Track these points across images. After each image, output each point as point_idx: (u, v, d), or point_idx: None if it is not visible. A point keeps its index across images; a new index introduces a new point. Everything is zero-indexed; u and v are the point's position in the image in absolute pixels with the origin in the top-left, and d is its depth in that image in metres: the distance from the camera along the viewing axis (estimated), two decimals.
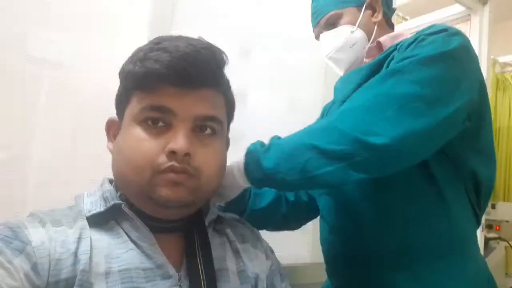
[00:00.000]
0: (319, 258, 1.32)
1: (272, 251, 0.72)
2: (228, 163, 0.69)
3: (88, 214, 0.56)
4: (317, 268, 1.30)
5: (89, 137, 0.94)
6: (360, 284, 0.83)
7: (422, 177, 0.77)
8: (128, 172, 0.55)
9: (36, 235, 0.50)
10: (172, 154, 0.53)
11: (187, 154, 0.53)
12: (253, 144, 0.74)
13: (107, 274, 0.51)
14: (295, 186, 0.71)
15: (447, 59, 0.71)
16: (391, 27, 1.00)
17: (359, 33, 0.92)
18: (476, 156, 0.79)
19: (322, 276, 1.23)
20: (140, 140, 0.54)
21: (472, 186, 0.80)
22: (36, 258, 0.48)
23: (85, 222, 0.55)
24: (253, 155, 0.71)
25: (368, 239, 0.80)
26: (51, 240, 0.50)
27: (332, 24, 0.93)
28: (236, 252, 0.64)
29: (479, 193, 0.81)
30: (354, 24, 0.91)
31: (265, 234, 0.79)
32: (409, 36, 0.86)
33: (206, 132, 0.58)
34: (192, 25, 1.16)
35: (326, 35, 0.95)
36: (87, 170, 0.91)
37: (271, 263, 0.69)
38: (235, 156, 0.71)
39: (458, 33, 0.76)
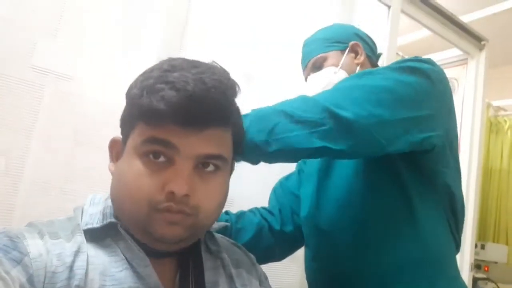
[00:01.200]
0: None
1: (266, 278, 0.72)
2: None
3: (84, 228, 0.55)
4: None
5: (87, 150, 0.95)
6: None
7: (397, 198, 0.80)
8: (126, 204, 0.54)
9: (34, 247, 0.49)
10: (171, 194, 0.52)
11: (186, 195, 0.52)
12: None
13: None
14: (261, 148, 0.70)
15: (420, 73, 0.78)
16: (375, 66, 1.05)
17: (342, 74, 0.98)
18: (450, 173, 0.83)
19: None
20: (140, 175, 0.53)
21: (447, 202, 0.83)
22: (33, 270, 0.47)
23: (83, 237, 0.54)
24: None
25: (345, 264, 0.83)
26: (48, 252, 0.50)
27: (318, 67, 1.00)
28: (230, 277, 0.64)
29: (455, 211, 0.84)
30: (337, 65, 0.98)
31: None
32: None
33: (209, 168, 0.56)
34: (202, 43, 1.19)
35: (312, 76, 1.02)
36: (83, 181, 0.92)
37: None
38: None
39: (431, 61, 0.83)
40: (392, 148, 0.73)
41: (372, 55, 1.06)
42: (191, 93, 0.51)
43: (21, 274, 0.46)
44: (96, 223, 0.56)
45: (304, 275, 1.09)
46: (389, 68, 0.80)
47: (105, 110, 0.97)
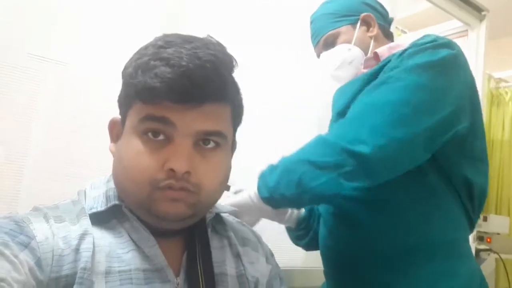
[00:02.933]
0: (312, 263, 1.33)
1: (272, 255, 0.72)
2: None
3: (89, 212, 0.55)
4: (310, 273, 1.32)
5: (88, 136, 0.95)
6: (356, 286, 0.85)
7: (419, 185, 0.80)
8: (127, 184, 0.54)
9: (40, 231, 0.50)
10: (171, 172, 0.51)
11: (186, 172, 0.52)
12: (265, 168, 0.80)
13: (107, 273, 0.51)
14: (294, 202, 0.74)
15: (435, 68, 0.75)
16: (389, 37, 1.02)
17: (356, 50, 0.96)
18: (468, 162, 0.82)
19: (315, 281, 1.24)
20: (139, 154, 0.52)
21: (465, 192, 0.83)
22: (40, 254, 0.47)
23: (88, 220, 0.54)
24: (262, 176, 0.78)
25: (361, 244, 0.83)
26: (54, 235, 0.50)
27: (329, 44, 0.98)
28: (237, 255, 0.64)
29: (473, 199, 0.84)
30: (350, 42, 0.95)
31: (265, 238, 0.80)
32: (404, 48, 0.88)
33: (209, 145, 0.55)
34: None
35: (324, 54, 0.99)
36: (87, 165, 0.92)
37: (271, 267, 0.69)
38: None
39: (447, 44, 0.79)
40: (419, 162, 0.74)
41: (384, 23, 1.02)
42: (185, 69, 0.50)
43: (29, 257, 0.46)
44: (100, 206, 0.56)
45: (308, 252, 1.11)
46: (405, 70, 0.76)
47: (104, 93, 0.96)
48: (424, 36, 0.83)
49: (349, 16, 0.97)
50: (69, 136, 0.95)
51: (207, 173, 0.54)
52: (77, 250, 0.50)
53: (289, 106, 1.39)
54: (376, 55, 0.94)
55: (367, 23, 0.98)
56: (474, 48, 2.01)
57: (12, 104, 0.88)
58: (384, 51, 0.93)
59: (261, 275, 0.66)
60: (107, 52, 1.00)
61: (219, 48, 0.55)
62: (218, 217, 0.66)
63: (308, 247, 1.04)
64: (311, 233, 1.00)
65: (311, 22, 1.03)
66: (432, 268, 0.78)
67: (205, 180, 0.54)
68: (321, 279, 1.01)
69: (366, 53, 0.96)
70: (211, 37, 0.57)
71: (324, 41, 0.98)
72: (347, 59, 0.95)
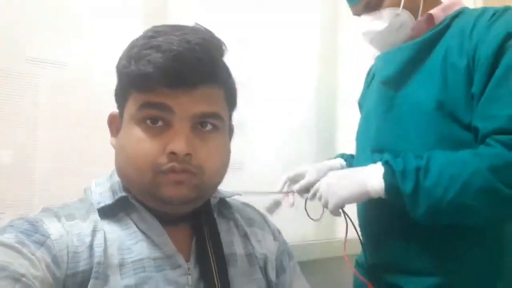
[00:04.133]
0: (322, 235, 1.36)
1: (280, 232, 0.75)
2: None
3: (98, 206, 0.57)
4: (321, 246, 1.35)
5: (95, 134, 0.96)
6: (395, 257, 0.84)
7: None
8: (131, 172, 0.55)
9: (54, 229, 0.52)
10: (172, 155, 0.52)
11: (188, 154, 0.53)
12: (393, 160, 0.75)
13: (121, 265, 0.53)
14: (449, 204, 0.69)
15: None
16: None
17: (405, 15, 0.85)
18: None
19: (327, 253, 1.27)
20: (140, 141, 0.54)
21: None
22: (56, 251, 0.49)
23: (97, 215, 0.56)
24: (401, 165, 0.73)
25: (397, 215, 0.79)
26: (68, 233, 0.52)
27: (373, 6, 0.86)
28: (244, 236, 0.66)
29: None
30: (398, 5, 0.84)
31: (271, 215, 0.83)
32: (462, 6, 0.83)
33: (207, 128, 0.56)
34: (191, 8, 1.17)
35: (367, 19, 0.88)
36: (94, 166, 0.94)
37: (279, 244, 0.71)
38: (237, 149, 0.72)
39: None
40: None
41: None
42: (176, 53, 0.51)
43: (46, 255, 0.48)
44: (108, 200, 0.58)
45: (318, 226, 1.13)
46: None
47: (105, 90, 0.97)
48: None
49: None
50: (76, 135, 0.96)
51: (208, 155, 0.56)
52: (91, 246, 0.52)
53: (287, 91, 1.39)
54: (429, 17, 0.85)
55: None
56: (472, 2, 1.96)
57: (15, 109, 0.90)
58: (439, 12, 0.84)
59: (269, 252, 0.68)
60: (104, 50, 1.00)
61: (208, 33, 0.57)
62: (222, 201, 0.68)
63: None
64: None
65: None
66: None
67: (206, 162, 0.56)
68: (335, 249, 1.03)
69: (415, 15, 0.86)
70: (199, 24, 0.58)
71: (366, 3, 0.87)
72: (394, 25, 0.85)
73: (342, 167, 1.03)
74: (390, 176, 0.74)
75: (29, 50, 0.92)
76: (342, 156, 1.08)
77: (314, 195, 0.87)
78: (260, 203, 0.79)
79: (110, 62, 0.95)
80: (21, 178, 0.90)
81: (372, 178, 0.77)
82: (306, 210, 0.93)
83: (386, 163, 0.76)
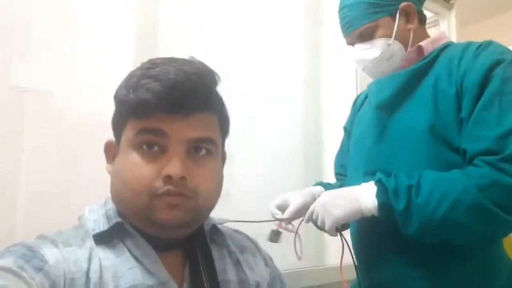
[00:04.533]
0: (312, 263, 1.35)
1: (271, 259, 0.74)
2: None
3: (93, 233, 0.57)
4: (311, 273, 1.33)
5: (79, 163, 0.95)
6: (388, 278, 0.85)
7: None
8: (127, 196, 0.56)
9: (52, 255, 0.52)
10: (168, 178, 0.54)
11: (182, 177, 0.54)
12: (385, 178, 0.77)
13: None
14: (440, 221, 0.71)
15: None
16: (424, 22, 0.98)
17: (396, 45, 0.91)
18: None
19: (317, 280, 1.26)
20: (136, 165, 0.55)
21: None
22: (54, 277, 0.49)
23: (93, 242, 0.56)
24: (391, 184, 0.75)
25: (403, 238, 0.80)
26: (65, 259, 0.52)
27: (366, 36, 0.92)
28: (237, 263, 0.66)
29: None
30: (390, 36, 0.90)
31: (262, 243, 0.81)
32: (448, 40, 0.90)
33: (201, 153, 0.58)
34: (175, 44, 1.20)
35: (361, 48, 0.93)
36: (78, 194, 0.93)
37: (271, 270, 0.71)
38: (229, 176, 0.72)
39: None
40: None
41: (421, 7, 0.97)
42: (173, 82, 0.54)
43: (44, 280, 0.48)
44: (102, 226, 0.58)
45: (307, 252, 1.12)
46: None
47: (89, 118, 0.97)
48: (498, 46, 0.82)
49: (388, 6, 0.90)
50: (59, 164, 0.95)
51: (202, 178, 0.57)
52: (87, 273, 0.52)
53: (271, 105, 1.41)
54: (419, 49, 0.91)
55: (406, 14, 0.92)
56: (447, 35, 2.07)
57: None
58: (428, 45, 0.90)
59: (262, 278, 0.68)
60: (89, 78, 1.01)
61: (202, 65, 0.60)
62: (214, 228, 0.68)
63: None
64: None
65: (343, 8, 0.95)
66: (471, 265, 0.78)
67: (200, 185, 0.57)
68: (326, 277, 1.02)
69: (405, 46, 0.92)
70: (193, 57, 0.62)
71: (359, 33, 0.92)
72: (386, 55, 0.91)
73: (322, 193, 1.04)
74: (382, 194, 0.77)
75: (14, 78, 0.92)
76: (321, 184, 1.10)
77: (310, 217, 0.88)
78: (250, 231, 0.78)
79: (95, 91, 0.97)
80: (3, 208, 0.87)
81: (365, 196, 0.79)
82: (295, 247, 0.93)
83: (379, 182, 0.78)
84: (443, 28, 2.09)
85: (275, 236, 0.93)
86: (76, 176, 0.95)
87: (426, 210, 0.72)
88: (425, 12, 2.20)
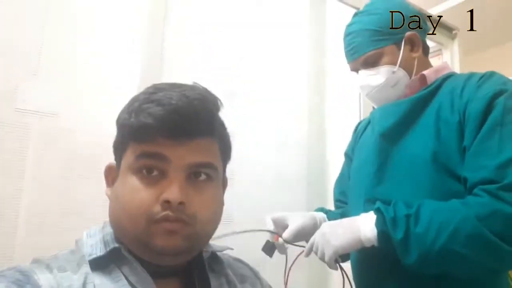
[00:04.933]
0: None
1: None
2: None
3: (89, 258, 0.56)
4: None
5: (79, 183, 0.95)
6: None
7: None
8: (124, 221, 0.55)
9: (45, 281, 0.50)
10: (166, 203, 0.53)
11: (181, 203, 0.53)
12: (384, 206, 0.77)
13: None
14: (439, 250, 0.70)
15: None
16: (427, 51, 1.00)
17: (401, 73, 0.92)
18: None
19: None
20: (135, 190, 0.55)
21: None
22: None
23: (88, 268, 0.55)
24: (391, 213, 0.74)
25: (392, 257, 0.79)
26: (59, 285, 0.51)
27: (371, 63, 0.93)
28: None
29: None
30: (395, 63, 0.91)
31: (262, 272, 0.80)
32: (450, 71, 0.91)
33: (201, 178, 0.57)
34: (180, 70, 1.21)
35: (365, 74, 0.94)
36: (79, 215, 0.92)
37: None
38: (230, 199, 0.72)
39: None
40: None
41: (425, 37, 0.98)
42: (175, 107, 0.54)
43: None
44: (99, 251, 0.57)
45: (310, 282, 1.09)
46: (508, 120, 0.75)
47: (93, 141, 0.97)
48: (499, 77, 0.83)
49: (394, 35, 0.92)
50: (61, 187, 0.95)
51: (201, 204, 0.56)
52: None
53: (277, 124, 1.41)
54: (422, 77, 0.92)
55: (411, 42, 0.93)
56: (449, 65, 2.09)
57: (1, 160, 0.89)
58: (431, 74, 0.92)
59: None
60: (95, 101, 1.02)
61: (205, 90, 0.60)
62: (214, 256, 0.67)
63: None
64: None
65: (348, 34, 0.96)
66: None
67: (199, 211, 0.56)
68: None
69: (409, 74, 0.93)
70: (197, 83, 0.62)
71: (364, 60, 0.93)
72: (390, 82, 0.92)
73: (323, 219, 1.02)
74: (381, 223, 0.76)
75: (19, 99, 0.93)
76: (323, 210, 1.09)
77: (310, 249, 0.86)
78: (252, 260, 0.76)
79: (101, 113, 0.97)
80: (2, 231, 0.86)
81: (364, 226, 0.78)
82: (286, 277, 0.90)
83: (377, 211, 0.78)
84: (446, 58, 2.11)
85: (269, 250, 0.91)
86: (78, 199, 0.95)
87: (425, 240, 0.71)
88: (428, 42, 2.25)
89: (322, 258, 0.82)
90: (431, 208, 0.74)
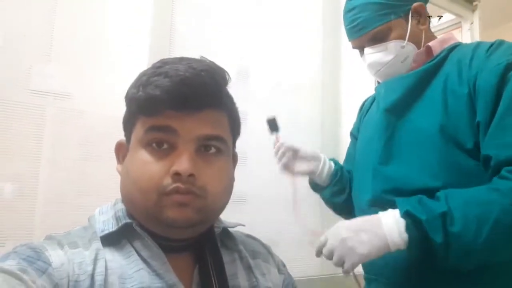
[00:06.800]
0: (327, 270, 1.32)
1: (284, 265, 0.72)
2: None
3: (101, 234, 0.56)
4: (326, 280, 1.31)
5: (95, 163, 0.97)
6: None
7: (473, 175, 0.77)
8: (135, 195, 0.56)
9: (56, 257, 0.51)
10: (176, 175, 0.53)
11: (191, 175, 0.53)
12: (409, 204, 0.72)
13: None
14: (482, 245, 0.67)
15: None
16: (429, 25, 0.94)
17: (410, 47, 0.88)
18: None
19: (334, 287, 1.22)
20: (145, 163, 0.55)
21: None
22: (57, 279, 0.49)
23: (100, 243, 0.56)
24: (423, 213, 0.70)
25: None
26: (70, 261, 0.52)
27: (379, 39, 0.88)
28: (248, 268, 0.65)
29: None
30: (403, 38, 0.87)
31: (275, 249, 0.80)
32: (457, 41, 0.87)
33: (211, 151, 0.57)
34: (189, 49, 1.21)
35: (372, 51, 0.90)
36: (95, 194, 0.94)
37: (284, 277, 0.69)
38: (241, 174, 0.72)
39: None
40: None
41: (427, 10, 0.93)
42: (182, 78, 0.54)
43: (47, 283, 0.48)
44: (111, 227, 0.57)
45: (323, 260, 1.09)
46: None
47: (107, 122, 0.99)
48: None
49: (400, 7, 0.87)
50: (77, 167, 0.97)
51: (212, 177, 0.56)
52: (92, 275, 0.52)
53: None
54: (428, 49, 0.89)
55: (418, 14, 0.89)
56: (469, 39, 2.01)
57: (19, 141, 0.91)
58: (436, 45, 0.88)
59: (274, 285, 0.66)
60: (107, 82, 1.02)
61: (213, 63, 0.60)
62: (226, 232, 0.67)
63: (347, 203, 1.00)
64: (347, 189, 1.00)
65: (351, 9, 0.91)
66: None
67: (210, 184, 0.56)
68: (340, 284, 1.00)
69: (417, 47, 0.89)
70: (204, 57, 0.61)
71: (372, 36, 0.88)
72: (400, 58, 0.88)
73: (329, 171, 1.03)
74: (413, 228, 0.71)
75: (33, 83, 0.94)
76: (335, 162, 1.07)
77: (320, 251, 0.80)
78: (265, 238, 0.77)
79: (113, 93, 0.98)
80: (22, 210, 0.89)
81: (391, 231, 0.73)
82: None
83: (407, 215, 0.72)
84: (466, 31, 2.03)
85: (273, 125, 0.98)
86: (94, 177, 0.97)
87: (465, 238, 0.68)
88: (447, 15, 2.16)
89: (338, 265, 0.76)
90: (461, 201, 0.70)
